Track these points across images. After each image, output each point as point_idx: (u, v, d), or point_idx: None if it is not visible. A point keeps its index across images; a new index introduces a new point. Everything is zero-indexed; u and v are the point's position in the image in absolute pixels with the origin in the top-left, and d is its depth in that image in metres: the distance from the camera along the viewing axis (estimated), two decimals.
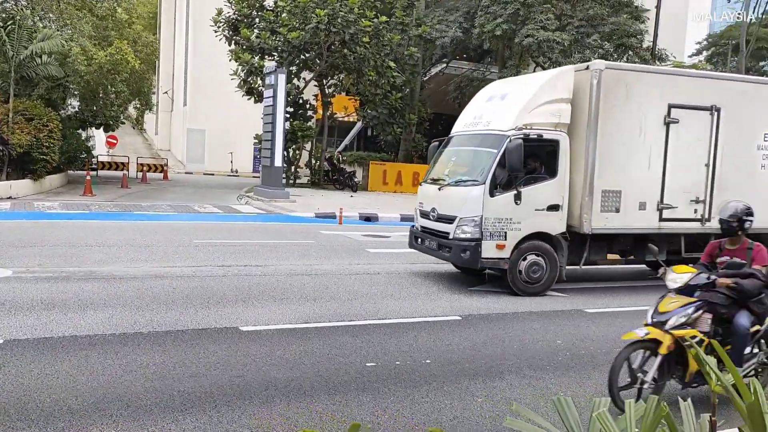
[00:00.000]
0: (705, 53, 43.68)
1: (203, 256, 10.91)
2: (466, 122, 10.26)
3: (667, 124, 9.44)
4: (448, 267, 10.62)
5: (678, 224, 9.75)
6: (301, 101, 27.53)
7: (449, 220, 9.16)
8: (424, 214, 9.95)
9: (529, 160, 9.03)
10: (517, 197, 8.82)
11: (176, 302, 7.68)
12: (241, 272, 9.76)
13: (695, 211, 9.77)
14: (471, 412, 4.79)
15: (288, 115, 24.90)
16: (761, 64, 43.22)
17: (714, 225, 9.66)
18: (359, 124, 33.90)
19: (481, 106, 10.19)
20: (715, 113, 9.72)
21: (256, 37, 25.45)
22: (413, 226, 10.57)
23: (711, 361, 1.62)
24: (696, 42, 43.50)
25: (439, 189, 9.67)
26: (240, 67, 25.77)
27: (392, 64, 26.45)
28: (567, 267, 9.44)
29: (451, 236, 9.07)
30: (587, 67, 9.23)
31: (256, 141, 27.51)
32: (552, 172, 9.12)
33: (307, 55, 25.86)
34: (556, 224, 9.13)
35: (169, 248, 11.57)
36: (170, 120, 48.30)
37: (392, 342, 6.55)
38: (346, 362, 5.82)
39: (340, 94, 30.17)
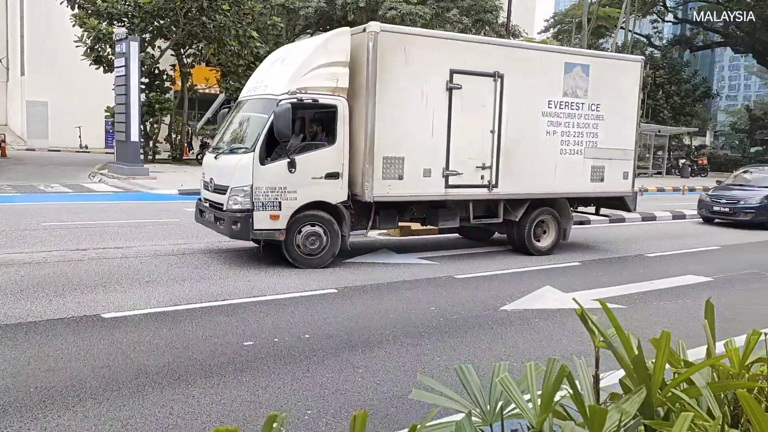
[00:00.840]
0: (552, 30, 46.65)
1: (54, 240, 10.02)
2: (250, 87, 9.79)
3: (450, 90, 9.18)
4: None
5: (465, 191, 9.64)
6: (157, 71, 25.95)
7: (223, 190, 8.67)
8: (206, 186, 9.46)
9: (312, 125, 8.85)
10: (291, 165, 8.38)
11: (26, 291, 7.00)
12: (99, 255, 9.09)
13: (482, 177, 9.67)
14: (353, 384, 4.81)
15: (143, 87, 23.37)
16: (600, 41, 46.95)
17: (501, 191, 9.91)
18: (222, 96, 32.60)
19: (266, 70, 9.72)
20: (499, 80, 9.60)
21: (103, 0, 23.53)
22: (199, 198, 9.88)
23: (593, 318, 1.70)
24: (544, 20, 46.36)
25: (215, 158, 9.23)
26: (86, 34, 23.69)
27: (255, 33, 25.61)
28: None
29: (225, 207, 8.60)
30: (364, 30, 8.76)
31: (108, 114, 25.59)
32: (331, 138, 8.75)
33: (161, 21, 24.32)
34: (336, 193, 8.76)
35: (13, 233, 10.50)
36: (6, 91, 43.73)
37: (269, 319, 6.42)
38: (221, 343, 5.62)
39: (200, 65, 28.80)
